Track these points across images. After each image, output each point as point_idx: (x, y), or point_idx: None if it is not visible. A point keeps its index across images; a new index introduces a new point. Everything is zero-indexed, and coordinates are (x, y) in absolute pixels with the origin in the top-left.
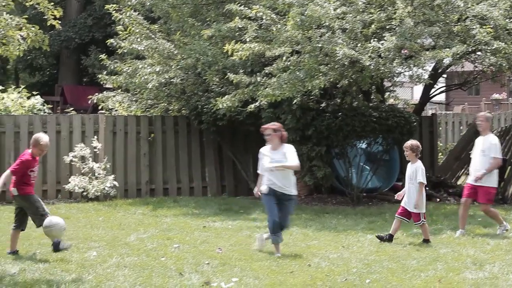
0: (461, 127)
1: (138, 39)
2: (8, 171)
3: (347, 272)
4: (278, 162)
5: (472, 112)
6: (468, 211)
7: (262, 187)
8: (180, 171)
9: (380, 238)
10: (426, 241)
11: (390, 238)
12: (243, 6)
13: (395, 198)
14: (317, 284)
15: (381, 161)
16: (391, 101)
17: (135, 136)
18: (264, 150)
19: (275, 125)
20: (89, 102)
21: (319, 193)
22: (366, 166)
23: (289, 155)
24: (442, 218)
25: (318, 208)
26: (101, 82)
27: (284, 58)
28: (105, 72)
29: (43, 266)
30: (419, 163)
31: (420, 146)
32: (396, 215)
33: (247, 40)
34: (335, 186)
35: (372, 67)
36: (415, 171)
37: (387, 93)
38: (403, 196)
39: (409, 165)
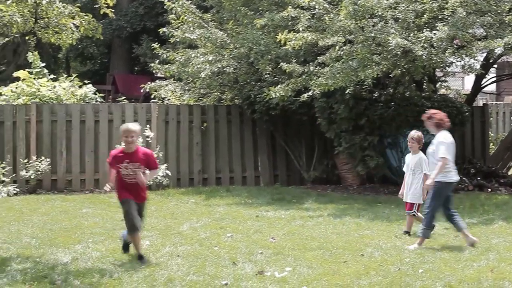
0: None
1: (191, 28)
2: None
3: (400, 261)
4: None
5: None
6: None
7: None
8: (233, 161)
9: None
10: (407, 233)
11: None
12: None
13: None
14: (371, 274)
15: None
16: (442, 91)
17: (188, 125)
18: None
19: (427, 114)
20: (141, 91)
21: (371, 182)
22: None
23: (437, 148)
24: (494, 208)
25: (370, 198)
26: (153, 71)
27: (337, 47)
28: (157, 61)
29: (96, 255)
30: (422, 154)
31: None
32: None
33: (300, 29)
34: (387, 176)
35: (424, 57)
36: (419, 162)
37: (439, 83)
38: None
39: (410, 155)
